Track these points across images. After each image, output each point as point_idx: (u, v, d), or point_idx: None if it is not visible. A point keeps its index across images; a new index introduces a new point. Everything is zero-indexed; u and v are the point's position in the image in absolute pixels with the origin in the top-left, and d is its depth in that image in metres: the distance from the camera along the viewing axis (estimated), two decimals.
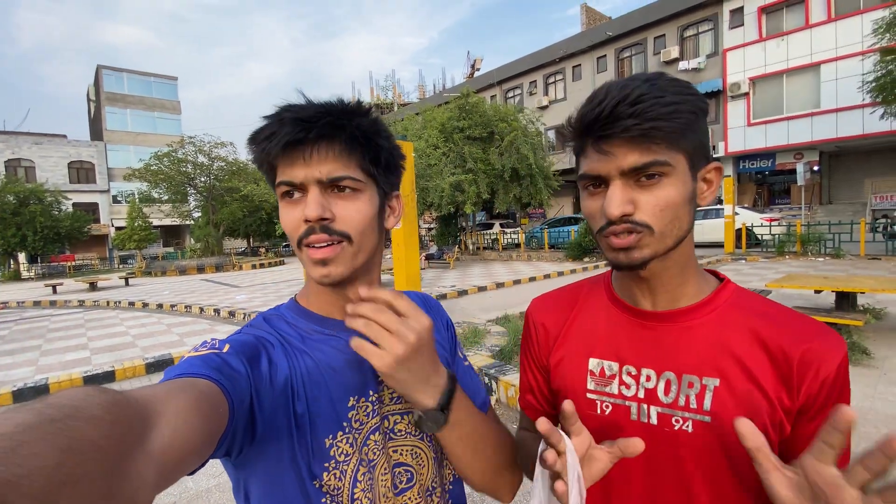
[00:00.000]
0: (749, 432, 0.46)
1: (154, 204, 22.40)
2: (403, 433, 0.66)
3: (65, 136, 33.91)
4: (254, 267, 21.62)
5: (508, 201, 17.45)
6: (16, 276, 23.14)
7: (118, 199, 32.93)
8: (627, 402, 0.62)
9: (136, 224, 23.98)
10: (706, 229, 15.65)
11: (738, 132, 18.89)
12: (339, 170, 0.57)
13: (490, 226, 22.64)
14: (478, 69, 41.70)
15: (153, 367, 5.23)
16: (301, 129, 0.54)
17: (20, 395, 4.44)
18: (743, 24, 18.46)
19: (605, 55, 23.36)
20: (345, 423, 0.60)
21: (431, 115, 17.50)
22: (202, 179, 22.04)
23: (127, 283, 16.79)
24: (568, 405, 0.53)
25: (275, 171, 0.59)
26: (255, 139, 0.57)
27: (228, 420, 0.47)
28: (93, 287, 15.44)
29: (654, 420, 0.60)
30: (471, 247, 20.28)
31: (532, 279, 11.39)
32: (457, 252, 16.94)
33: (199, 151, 20.31)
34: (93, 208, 31.86)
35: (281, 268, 21.14)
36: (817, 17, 16.66)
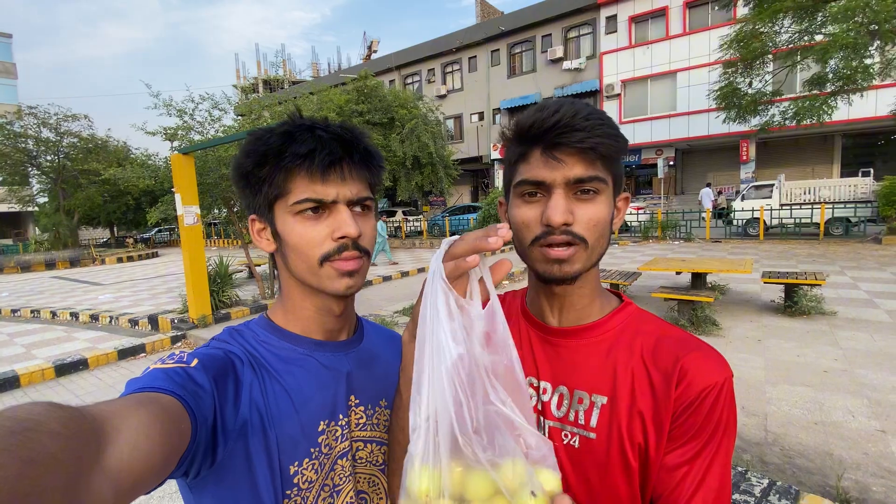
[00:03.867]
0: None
1: None
2: (364, 461, 0.66)
3: None
4: (120, 260, 18.87)
5: (410, 189, 17.48)
6: None
7: None
8: None
9: None
10: None
11: None
12: (364, 191, 0.63)
13: (393, 213, 22.49)
14: (375, 51, 40.65)
15: None
16: (342, 149, 0.59)
17: None
18: (616, 31, 20.49)
19: (498, 49, 24.27)
20: (313, 449, 0.59)
21: (328, 95, 16.70)
22: (48, 158, 18.42)
23: None
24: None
25: (282, 183, 0.59)
26: (284, 149, 0.57)
27: (190, 439, 0.45)
28: None
29: (545, 433, 0.61)
30: None
31: None
32: None
33: (44, 125, 16.99)
34: None
35: (154, 260, 18.78)
36: (675, 30, 19.14)
